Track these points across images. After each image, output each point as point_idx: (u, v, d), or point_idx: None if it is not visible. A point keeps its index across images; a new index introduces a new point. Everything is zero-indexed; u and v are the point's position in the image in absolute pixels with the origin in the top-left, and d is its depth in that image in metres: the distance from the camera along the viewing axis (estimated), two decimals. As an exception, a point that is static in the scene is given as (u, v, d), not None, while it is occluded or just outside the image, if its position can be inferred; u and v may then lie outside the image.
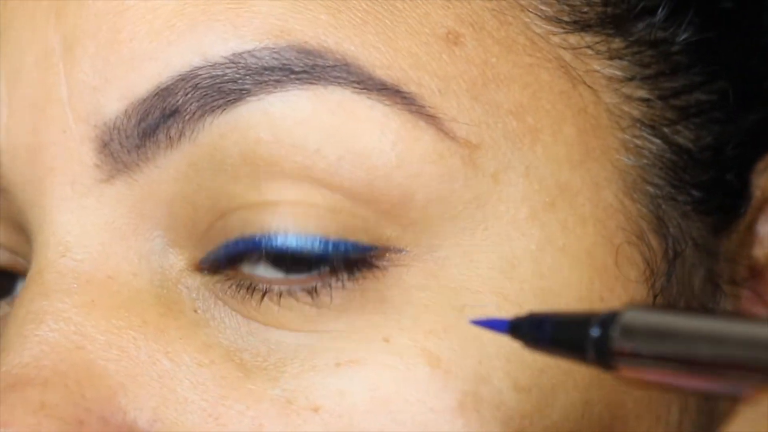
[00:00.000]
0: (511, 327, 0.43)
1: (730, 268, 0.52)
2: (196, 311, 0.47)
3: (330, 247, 0.45)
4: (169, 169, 0.46)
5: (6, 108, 0.48)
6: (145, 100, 0.46)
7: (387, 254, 0.46)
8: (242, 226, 0.46)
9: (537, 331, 0.43)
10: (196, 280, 0.47)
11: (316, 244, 0.46)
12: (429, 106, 0.46)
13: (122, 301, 0.47)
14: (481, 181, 0.46)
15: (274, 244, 0.46)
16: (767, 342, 0.36)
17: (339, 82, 0.45)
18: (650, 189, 0.49)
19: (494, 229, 0.47)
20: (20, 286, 0.53)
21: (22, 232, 0.50)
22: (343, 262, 0.46)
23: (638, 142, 0.49)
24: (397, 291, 0.46)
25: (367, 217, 0.46)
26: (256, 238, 0.46)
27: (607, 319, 0.40)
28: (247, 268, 0.47)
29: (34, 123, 0.47)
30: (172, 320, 0.47)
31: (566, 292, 0.47)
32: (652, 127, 0.50)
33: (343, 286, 0.46)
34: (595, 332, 0.40)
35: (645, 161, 0.49)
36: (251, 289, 0.46)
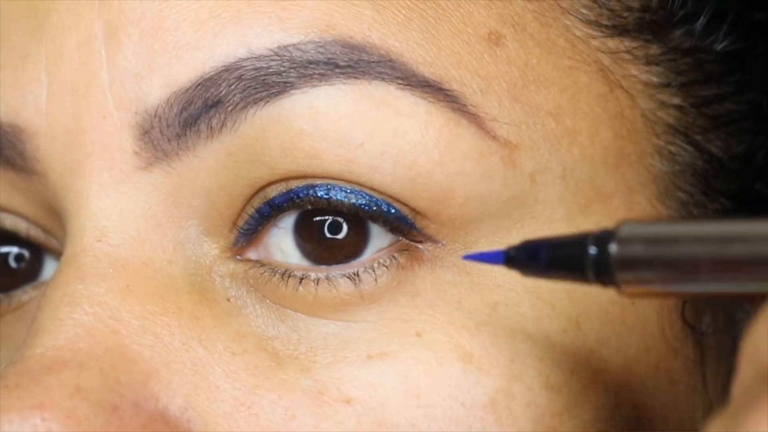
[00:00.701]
0: (507, 258, 0.43)
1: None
2: (228, 300, 0.47)
3: (375, 201, 0.46)
4: (207, 159, 0.47)
5: (46, 91, 0.48)
6: (187, 90, 0.46)
7: (424, 243, 0.46)
8: (282, 188, 0.47)
9: (533, 258, 0.43)
10: (230, 268, 0.47)
11: (362, 197, 0.46)
12: (471, 105, 0.46)
13: (156, 288, 0.47)
14: (519, 181, 0.47)
15: (319, 192, 0.46)
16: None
17: (383, 78, 0.46)
18: (682, 195, 0.50)
19: (530, 228, 0.47)
20: (46, 272, 0.53)
21: (55, 216, 0.50)
22: (384, 224, 0.46)
23: (672, 148, 0.50)
24: (431, 285, 0.46)
25: (406, 213, 0.46)
26: (298, 187, 0.46)
27: (603, 237, 0.40)
28: (278, 252, 0.47)
29: (74, 108, 0.47)
30: (207, 308, 0.47)
31: (597, 294, 0.47)
32: (685, 135, 0.50)
33: (388, 271, 0.46)
34: (592, 251, 0.40)
35: (677, 167, 0.50)
36: (287, 274, 0.46)
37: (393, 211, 0.46)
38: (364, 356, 0.45)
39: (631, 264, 0.40)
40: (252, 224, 0.47)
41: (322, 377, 0.45)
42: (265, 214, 0.47)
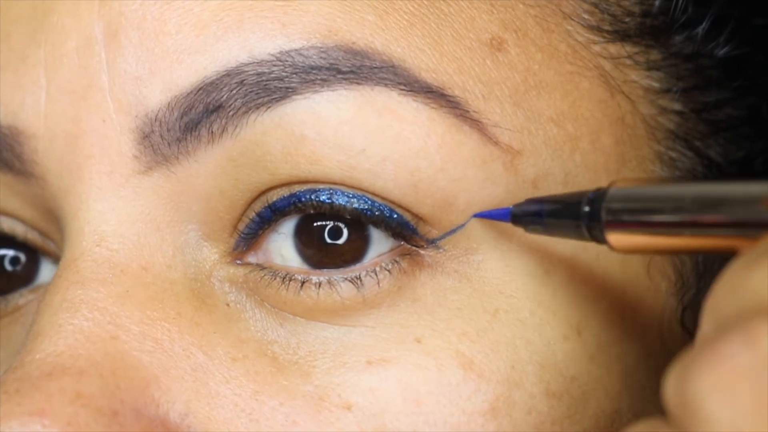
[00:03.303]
0: (512, 215, 0.45)
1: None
2: (228, 305, 0.47)
3: (375, 205, 0.46)
4: (208, 163, 0.46)
5: (45, 94, 0.48)
6: (188, 94, 0.46)
7: (426, 248, 0.46)
8: (283, 192, 0.46)
9: (535, 216, 0.45)
10: (229, 273, 0.47)
11: (363, 201, 0.46)
12: (473, 111, 0.46)
13: (156, 293, 0.46)
14: (521, 187, 0.47)
15: (321, 197, 0.46)
16: (748, 197, 0.38)
17: (385, 84, 0.45)
18: None
19: (531, 235, 0.47)
20: (42, 275, 0.52)
21: (53, 219, 0.49)
22: (385, 226, 0.46)
23: (672, 154, 0.50)
24: (431, 290, 0.46)
25: (407, 219, 0.46)
26: (300, 192, 0.46)
27: (596, 197, 0.43)
28: (278, 257, 0.47)
29: (73, 110, 0.47)
30: (207, 314, 0.47)
31: (598, 301, 0.47)
32: (686, 140, 0.50)
33: (390, 275, 0.46)
34: (586, 208, 0.43)
35: (678, 173, 0.50)
36: (287, 278, 0.46)
37: (395, 216, 0.46)
38: (363, 362, 0.45)
39: (619, 222, 0.42)
40: (252, 228, 0.47)
41: (322, 383, 0.45)
42: (267, 218, 0.47)
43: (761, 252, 0.34)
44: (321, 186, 0.46)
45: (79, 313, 0.45)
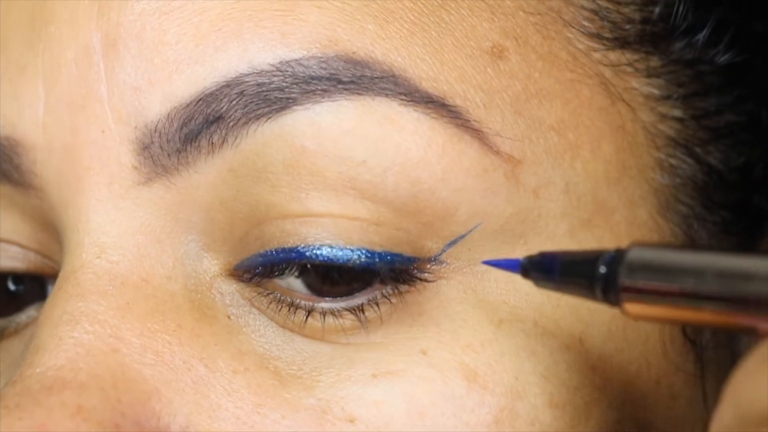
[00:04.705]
0: (522, 267, 0.44)
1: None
2: (229, 317, 0.47)
3: (376, 258, 0.45)
4: (208, 174, 0.46)
5: (43, 105, 0.47)
6: (188, 105, 0.45)
7: (428, 266, 0.46)
8: (282, 236, 0.46)
9: (547, 271, 0.43)
10: (231, 287, 0.47)
11: (362, 255, 0.45)
12: (474, 120, 0.46)
13: (157, 305, 0.46)
14: (522, 197, 0.47)
15: (319, 254, 0.45)
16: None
17: (386, 94, 0.45)
18: (682, 209, 0.50)
19: (533, 244, 0.47)
20: (50, 290, 0.52)
21: (51, 230, 0.49)
22: (388, 273, 0.45)
23: (672, 161, 0.50)
24: (436, 303, 0.46)
25: (409, 229, 0.46)
26: (300, 248, 0.46)
27: (615, 257, 0.41)
28: (283, 282, 0.46)
29: (72, 121, 0.47)
30: (207, 326, 0.46)
31: (600, 311, 0.47)
32: (686, 147, 0.50)
33: (390, 302, 0.46)
34: (602, 270, 0.41)
35: (678, 180, 0.50)
36: (294, 306, 0.46)
37: (397, 260, 0.45)
38: (368, 375, 0.45)
39: (636, 288, 0.40)
40: (253, 262, 0.46)
41: (325, 396, 0.45)
42: (266, 265, 0.46)
43: None
44: (319, 238, 0.45)
45: (80, 326, 0.45)
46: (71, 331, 0.45)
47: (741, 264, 0.38)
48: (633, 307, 0.40)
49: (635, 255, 0.40)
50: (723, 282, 0.38)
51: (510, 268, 0.45)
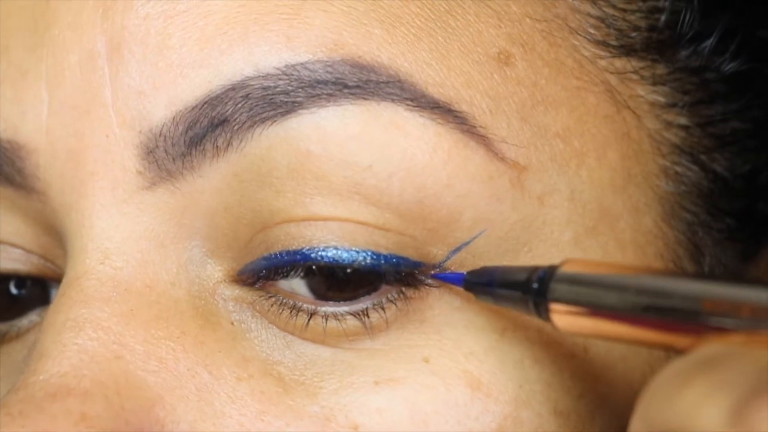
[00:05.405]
0: (465, 281, 0.45)
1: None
2: (232, 323, 0.46)
3: (382, 260, 0.45)
4: (213, 179, 0.46)
5: (47, 109, 0.47)
6: (193, 109, 0.45)
7: (433, 272, 0.46)
8: (287, 239, 0.46)
9: (487, 284, 0.45)
10: (234, 292, 0.47)
11: (368, 257, 0.45)
12: (480, 126, 0.46)
13: (160, 311, 0.46)
14: (527, 204, 0.46)
15: (324, 255, 0.45)
16: (695, 295, 0.37)
17: (392, 99, 0.45)
18: (687, 216, 0.50)
19: (538, 251, 0.47)
20: (53, 294, 0.52)
21: (54, 234, 0.49)
22: (394, 276, 0.45)
23: (678, 168, 0.49)
24: (439, 311, 0.46)
25: (415, 235, 0.45)
26: (305, 250, 0.45)
27: (547, 273, 0.42)
28: (286, 285, 0.46)
29: (75, 125, 0.46)
30: (211, 332, 0.46)
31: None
32: (691, 155, 0.50)
33: (396, 307, 0.45)
34: (535, 285, 0.43)
35: (683, 188, 0.49)
36: (296, 309, 0.46)
37: (402, 263, 0.45)
38: (371, 382, 0.45)
39: (564, 301, 0.42)
40: (258, 266, 0.46)
41: (328, 403, 0.45)
42: (271, 268, 0.46)
43: (695, 363, 0.35)
44: (324, 240, 0.45)
45: (84, 332, 0.45)
46: (75, 338, 0.45)
47: (661, 283, 0.39)
48: (561, 321, 0.42)
49: (565, 271, 0.42)
50: (642, 298, 0.39)
51: (454, 281, 0.46)
